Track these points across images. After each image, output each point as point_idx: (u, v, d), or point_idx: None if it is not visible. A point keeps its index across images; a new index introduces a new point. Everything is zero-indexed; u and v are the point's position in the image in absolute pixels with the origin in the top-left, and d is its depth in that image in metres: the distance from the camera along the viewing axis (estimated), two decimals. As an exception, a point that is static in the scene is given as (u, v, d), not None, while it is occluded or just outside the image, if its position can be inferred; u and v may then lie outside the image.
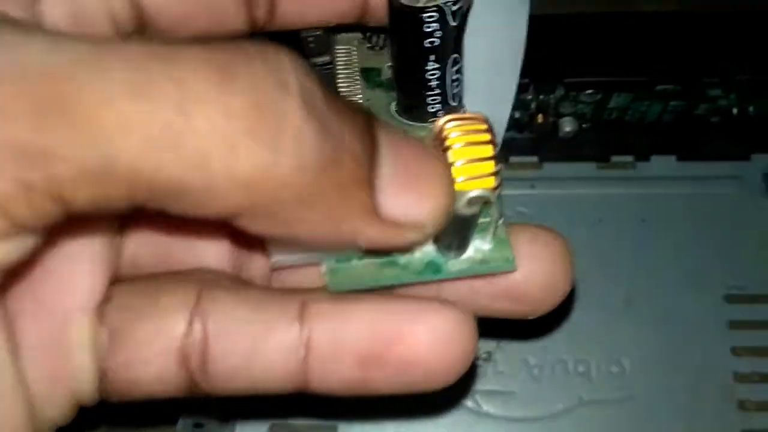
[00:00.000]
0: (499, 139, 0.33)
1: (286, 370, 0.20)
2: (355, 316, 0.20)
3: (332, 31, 0.26)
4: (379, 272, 0.21)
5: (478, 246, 0.21)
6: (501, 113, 0.32)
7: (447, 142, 0.20)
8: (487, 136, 0.20)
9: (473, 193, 0.19)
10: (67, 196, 0.16)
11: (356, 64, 0.27)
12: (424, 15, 0.21)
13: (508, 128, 0.37)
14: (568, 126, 0.37)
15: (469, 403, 0.34)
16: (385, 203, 0.18)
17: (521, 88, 0.35)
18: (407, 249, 0.21)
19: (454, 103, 0.24)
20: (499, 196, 0.21)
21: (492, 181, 0.20)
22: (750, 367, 0.34)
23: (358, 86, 0.27)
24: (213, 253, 0.23)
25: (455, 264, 0.21)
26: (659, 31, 0.36)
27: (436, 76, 0.23)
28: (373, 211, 0.18)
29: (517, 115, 0.37)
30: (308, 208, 0.17)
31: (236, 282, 0.22)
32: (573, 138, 0.38)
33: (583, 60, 0.35)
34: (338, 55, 0.27)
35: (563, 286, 0.22)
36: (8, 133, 0.15)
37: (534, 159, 0.38)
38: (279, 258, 0.21)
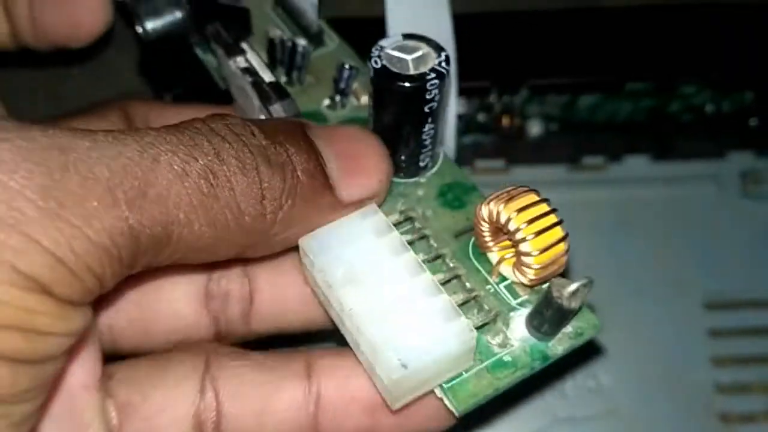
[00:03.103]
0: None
1: (298, 425, 0.22)
2: (360, 369, 0.21)
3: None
4: (495, 378, 0.21)
5: None
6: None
7: (519, 235, 0.20)
8: (553, 218, 0.21)
9: (573, 287, 0.19)
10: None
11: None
12: (427, 84, 0.21)
13: (474, 130, 0.36)
14: (535, 128, 0.36)
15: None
16: (343, 193, 0.21)
17: (483, 92, 0.33)
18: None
19: (439, 149, 0.24)
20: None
21: (563, 261, 0.21)
22: (731, 377, 0.33)
23: None
24: (184, 299, 0.24)
25: (557, 347, 0.21)
26: (628, 26, 0.34)
27: (431, 135, 0.23)
28: (339, 203, 0.21)
29: (481, 118, 0.35)
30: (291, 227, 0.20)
31: (238, 350, 0.23)
32: (541, 140, 0.36)
33: (547, 60, 0.33)
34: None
35: None
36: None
37: (500, 163, 0.36)
38: (402, 402, 0.21)
